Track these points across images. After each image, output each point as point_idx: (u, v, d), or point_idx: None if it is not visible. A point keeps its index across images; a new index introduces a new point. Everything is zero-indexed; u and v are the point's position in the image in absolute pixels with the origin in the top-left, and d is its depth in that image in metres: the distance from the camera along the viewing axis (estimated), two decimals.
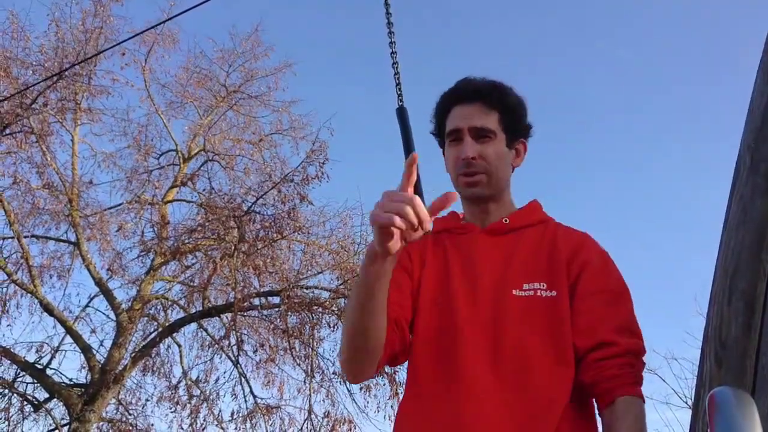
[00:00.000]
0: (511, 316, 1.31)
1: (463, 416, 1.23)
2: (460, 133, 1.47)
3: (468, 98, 1.49)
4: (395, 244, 1.02)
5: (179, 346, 10.18)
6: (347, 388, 9.44)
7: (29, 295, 9.35)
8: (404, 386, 1.39)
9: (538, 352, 1.28)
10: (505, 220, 1.47)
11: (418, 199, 1.01)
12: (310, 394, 9.46)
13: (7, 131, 9.02)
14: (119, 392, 9.57)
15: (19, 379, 9.26)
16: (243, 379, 9.77)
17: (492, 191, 1.48)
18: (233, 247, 9.15)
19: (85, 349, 9.38)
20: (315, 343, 9.49)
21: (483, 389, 1.25)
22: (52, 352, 9.46)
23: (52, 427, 9.27)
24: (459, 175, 1.47)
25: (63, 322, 9.38)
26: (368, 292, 1.13)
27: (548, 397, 1.24)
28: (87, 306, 9.96)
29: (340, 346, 1.29)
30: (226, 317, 9.70)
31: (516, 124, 1.52)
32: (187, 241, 9.75)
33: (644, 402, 1.26)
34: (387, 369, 9.18)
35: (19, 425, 9.19)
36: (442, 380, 1.29)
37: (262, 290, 9.64)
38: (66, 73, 9.12)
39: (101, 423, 9.41)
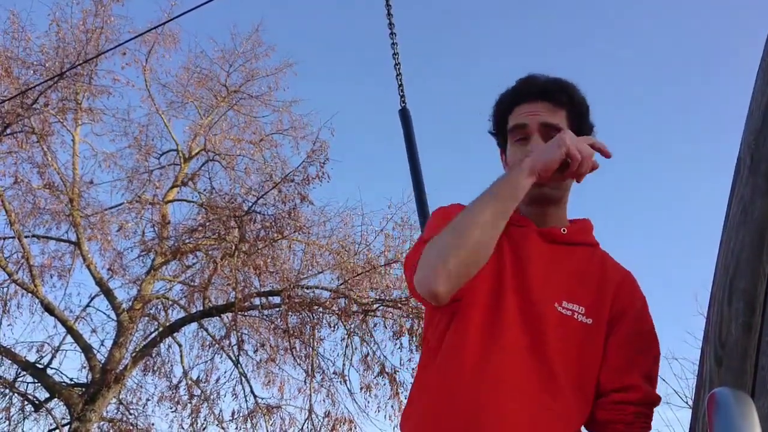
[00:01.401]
0: (549, 330, 1.28)
1: (485, 411, 1.21)
2: (527, 130, 1.39)
3: (534, 96, 1.42)
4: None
5: (180, 345, 10.20)
6: (348, 388, 9.46)
7: (30, 294, 9.37)
8: (430, 352, 1.34)
9: (563, 376, 1.26)
10: (564, 230, 1.42)
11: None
12: (310, 394, 9.47)
13: (8, 131, 9.02)
14: (120, 392, 9.58)
15: (20, 379, 9.28)
16: (243, 379, 9.79)
17: (559, 194, 1.42)
18: (234, 247, 9.15)
19: (86, 349, 9.39)
20: (315, 343, 9.50)
21: (512, 391, 1.22)
22: (53, 351, 9.48)
23: (52, 427, 9.28)
24: None
25: (64, 322, 9.39)
26: (511, 203, 1.26)
27: (566, 421, 1.24)
28: (88, 306, 9.99)
29: (439, 256, 1.24)
30: (227, 317, 9.71)
31: (583, 124, 1.46)
32: (187, 240, 9.76)
33: None
34: (387, 369, 9.19)
35: (19, 425, 9.22)
36: (475, 367, 1.26)
37: (262, 290, 9.65)
38: (67, 73, 9.13)
39: (102, 423, 9.42)
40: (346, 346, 9.42)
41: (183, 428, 9.61)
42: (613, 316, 1.34)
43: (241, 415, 9.63)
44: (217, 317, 9.90)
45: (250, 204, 9.52)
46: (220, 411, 9.77)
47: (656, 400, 1.31)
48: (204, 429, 9.59)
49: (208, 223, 9.75)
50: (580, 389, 1.28)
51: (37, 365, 9.20)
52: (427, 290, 1.24)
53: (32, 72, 9.58)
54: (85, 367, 9.52)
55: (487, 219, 1.23)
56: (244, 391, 9.75)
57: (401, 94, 2.84)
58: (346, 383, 9.41)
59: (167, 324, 9.82)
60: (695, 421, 1.25)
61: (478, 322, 1.29)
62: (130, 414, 9.82)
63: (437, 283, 1.22)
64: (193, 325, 10.06)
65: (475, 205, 1.27)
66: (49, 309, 9.25)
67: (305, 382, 9.56)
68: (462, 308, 1.31)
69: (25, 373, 9.18)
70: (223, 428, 9.62)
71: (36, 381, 9.21)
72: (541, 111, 1.40)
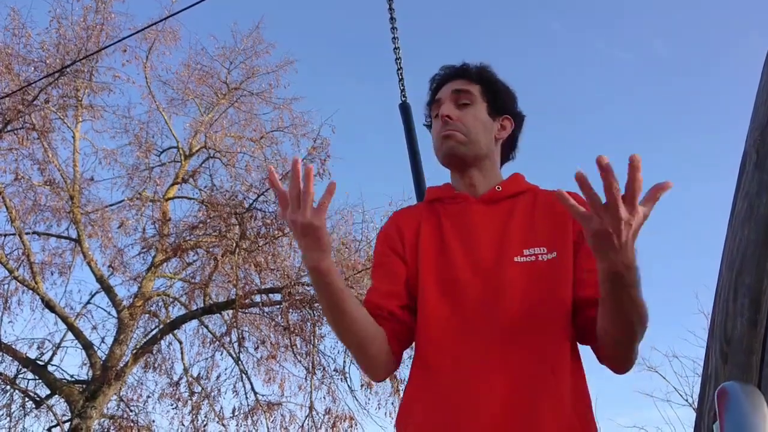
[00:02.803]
0: (514, 284, 1.31)
1: (471, 389, 1.23)
2: (441, 101, 1.49)
3: (450, 77, 1.52)
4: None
5: (180, 342, 10.20)
6: (348, 386, 9.46)
7: (31, 291, 9.37)
8: (412, 360, 1.39)
9: (541, 319, 1.28)
10: (498, 188, 1.47)
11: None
12: (311, 391, 9.48)
13: (9, 128, 9.01)
14: (120, 389, 9.58)
15: (21, 376, 9.28)
16: (244, 376, 9.78)
17: (470, 153, 1.46)
18: (234, 244, 9.15)
19: (87, 346, 9.39)
20: (316, 340, 9.50)
21: (489, 360, 1.24)
22: (54, 348, 9.48)
23: (53, 424, 9.27)
24: (438, 136, 1.48)
25: (64, 319, 9.39)
26: (327, 297, 1.27)
27: (551, 365, 1.24)
28: (88, 303, 9.98)
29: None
30: (228, 314, 9.71)
31: (498, 97, 1.53)
32: (188, 238, 9.75)
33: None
34: None
35: (20, 421, 9.21)
36: (449, 353, 1.29)
37: (263, 287, 9.65)
38: (67, 69, 9.12)
39: (102, 419, 9.42)
40: None
41: (184, 425, 9.62)
42: (576, 237, 1.36)
43: (241, 412, 9.64)
44: (218, 314, 9.90)
45: (251, 201, 9.51)
46: (221, 408, 9.78)
47: None
48: (205, 426, 9.60)
49: (208, 220, 9.74)
50: (560, 324, 1.28)
51: (38, 362, 9.19)
52: (374, 379, 1.41)
53: (33, 69, 9.57)
54: (85, 364, 9.53)
55: (333, 318, 1.30)
56: (245, 388, 9.76)
57: (402, 88, 2.83)
58: (346, 380, 9.42)
59: (168, 321, 9.82)
60: (701, 417, 1.25)
61: (438, 315, 1.33)
62: (131, 411, 9.81)
63: (375, 376, 1.38)
64: (194, 322, 10.07)
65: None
66: (49, 306, 9.25)
67: (306, 379, 9.57)
68: (419, 307, 1.37)
69: (25, 369, 9.18)
70: (223, 425, 9.62)
71: (37, 378, 9.20)
72: (455, 83, 1.50)
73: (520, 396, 1.20)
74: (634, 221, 1.00)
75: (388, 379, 9.23)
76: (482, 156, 1.48)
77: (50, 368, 9.22)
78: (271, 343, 9.82)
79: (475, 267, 1.34)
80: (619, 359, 1.25)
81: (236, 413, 9.63)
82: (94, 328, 9.78)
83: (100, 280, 9.70)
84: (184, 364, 10.08)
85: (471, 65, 1.53)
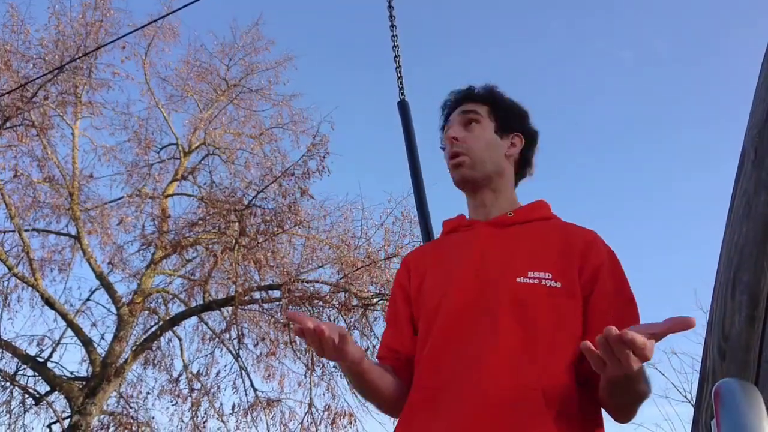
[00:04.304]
0: (512, 302, 1.30)
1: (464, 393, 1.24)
2: (450, 124, 1.54)
3: (459, 101, 1.56)
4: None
5: (180, 339, 10.22)
6: (347, 382, 9.47)
7: (30, 288, 9.36)
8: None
9: (532, 340, 1.27)
10: (510, 214, 1.47)
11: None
12: (310, 388, 9.50)
13: (8, 124, 9.00)
14: (120, 385, 9.59)
15: (21, 373, 9.28)
16: (244, 373, 9.80)
17: (478, 173, 1.48)
18: (234, 241, 9.15)
19: (86, 343, 9.40)
20: None
21: (481, 373, 1.24)
22: (54, 345, 9.48)
23: (53, 420, 9.29)
24: (447, 162, 1.52)
25: (64, 316, 9.39)
26: (350, 376, 1.36)
27: (542, 390, 1.22)
28: (88, 299, 9.98)
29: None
30: (227, 311, 9.71)
31: (507, 115, 1.55)
32: (187, 234, 9.75)
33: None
34: None
35: (20, 418, 9.23)
36: (443, 369, 1.30)
37: (262, 284, 9.65)
38: (66, 66, 9.11)
39: (102, 416, 9.43)
40: None
41: (183, 422, 9.65)
42: (586, 278, 1.34)
43: (241, 408, 9.66)
44: (218, 311, 9.91)
45: (251, 198, 9.50)
46: (221, 405, 9.81)
47: None
48: (204, 422, 9.62)
49: (208, 217, 9.75)
50: (558, 349, 1.26)
51: (38, 359, 9.19)
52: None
53: (32, 65, 9.55)
54: (85, 361, 9.54)
55: (358, 388, 1.39)
56: (245, 384, 9.78)
57: (400, 86, 2.82)
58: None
59: (167, 318, 9.83)
60: (699, 413, 1.25)
61: (436, 335, 1.35)
62: (131, 407, 9.83)
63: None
64: (194, 319, 10.08)
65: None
66: (49, 302, 9.25)
67: (305, 375, 9.59)
68: (420, 331, 1.42)
69: (25, 366, 9.17)
70: (223, 422, 9.65)
71: (36, 374, 9.21)
72: (464, 105, 1.55)
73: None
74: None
75: None
76: (491, 175, 1.50)
77: (50, 365, 9.24)
78: (270, 339, 9.83)
79: (476, 286, 1.35)
80: (620, 416, 1.27)
81: (236, 410, 9.66)
82: (94, 324, 9.81)
83: (99, 276, 9.70)
84: (183, 360, 10.11)
85: (477, 87, 1.57)
